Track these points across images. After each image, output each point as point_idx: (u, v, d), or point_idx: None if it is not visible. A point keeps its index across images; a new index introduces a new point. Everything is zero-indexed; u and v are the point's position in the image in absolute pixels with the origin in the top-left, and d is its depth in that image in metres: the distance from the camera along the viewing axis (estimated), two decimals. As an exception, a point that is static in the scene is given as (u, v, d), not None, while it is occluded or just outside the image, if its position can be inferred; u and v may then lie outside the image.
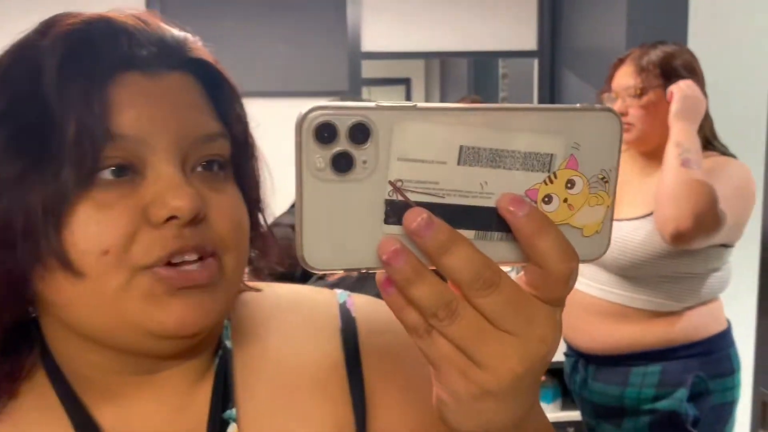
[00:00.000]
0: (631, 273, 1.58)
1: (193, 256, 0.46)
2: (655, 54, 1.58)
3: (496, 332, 0.35)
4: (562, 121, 0.36)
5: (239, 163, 0.53)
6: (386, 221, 0.35)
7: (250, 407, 0.53)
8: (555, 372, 2.44)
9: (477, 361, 0.36)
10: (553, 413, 2.52)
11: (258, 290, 0.60)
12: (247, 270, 0.57)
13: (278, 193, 0.59)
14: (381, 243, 0.35)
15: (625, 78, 1.61)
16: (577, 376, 1.76)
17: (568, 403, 2.55)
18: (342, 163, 0.34)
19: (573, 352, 1.77)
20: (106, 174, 0.45)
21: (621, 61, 1.65)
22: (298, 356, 0.56)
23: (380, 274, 0.36)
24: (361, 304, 0.60)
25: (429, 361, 0.37)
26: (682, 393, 1.57)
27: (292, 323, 0.58)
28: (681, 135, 1.48)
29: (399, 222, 0.35)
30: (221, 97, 0.52)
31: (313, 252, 0.35)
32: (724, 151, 1.60)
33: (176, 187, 0.45)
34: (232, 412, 0.52)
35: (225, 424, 0.52)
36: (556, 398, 2.56)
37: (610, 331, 1.63)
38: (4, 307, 0.48)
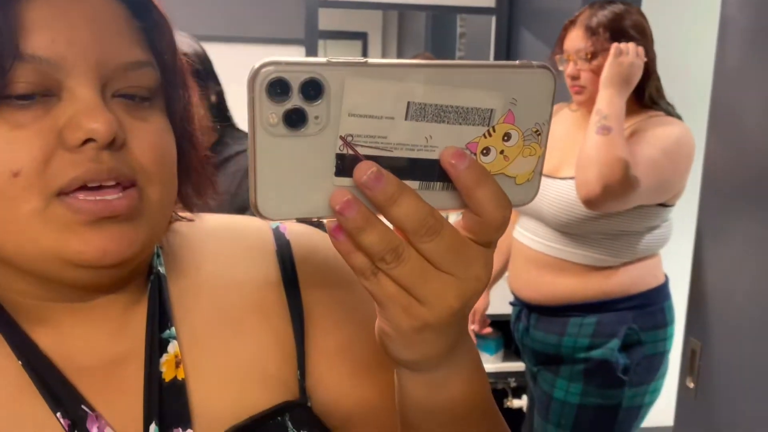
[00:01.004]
0: (570, 229, 1.64)
1: (111, 183, 0.45)
2: (604, 15, 1.60)
3: (437, 273, 0.39)
4: (503, 77, 0.38)
5: (168, 95, 0.52)
6: (337, 174, 0.37)
7: (189, 325, 0.55)
8: (499, 324, 2.52)
9: (419, 299, 0.39)
10: (495, 364, 2.61)
11: (191, 220, 0.60)
12: (178, 205, 0.57)
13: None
14: (333, 194, 0.37)
15: (576, 41, 1.63)
16: (521, 324, 1.83)
17: (510, 354, 2.64)
18: (294, 119, 0.35)
19: (518, 302, 1.83)
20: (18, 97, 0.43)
21: (572, 23, 1.66)
22: (235, 278, 0.58)
23: (330, 222, 0.39)
24: (293, 229, 0.62)
25: (374, 299, 0.41)
26: (614, 343, 1.65)
27: (226, 248, 0.59)
28: (603, 102, 1.53)
29: (349, 174, 0.37)
30: (150, 26, 0.50)
31: (267, 202, 0.37)
32: (670, 111, 1.64)
33: (93, 109, 0.44)
34: (171, 331, 0.53)
35: (165, 342, 0.53)
36: (499, 350, 2.64)
37: (551, 282, 1.69)
38: None
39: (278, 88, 0.35)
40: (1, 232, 0.45)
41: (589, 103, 1.64)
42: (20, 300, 0.50)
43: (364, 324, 0.44)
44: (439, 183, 0.39)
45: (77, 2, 0.45)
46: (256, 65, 0.35)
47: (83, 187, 0.44)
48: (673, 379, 1.64)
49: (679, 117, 1.64)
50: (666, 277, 1.75)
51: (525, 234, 1.76)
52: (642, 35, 1.59)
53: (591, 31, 1.60)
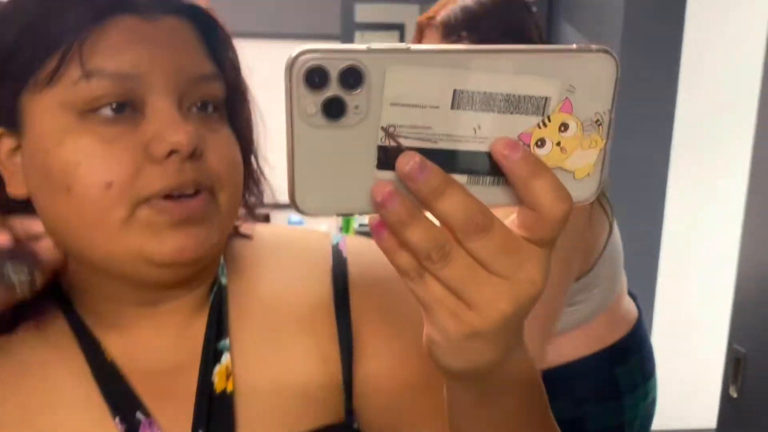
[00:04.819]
0: None
1: (191, 190, 0.49)
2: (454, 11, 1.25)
3: (487, 275, 0.36)
4: (558, 63, 0.35)
5: (232, 107, 0.55)
6: (379, 167, 0.35)
7: (241, 339, 0.56)
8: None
9: (468, 303, 0.36)
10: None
11: (250, 237, 0.62)
12: (242, 210, 0.60)
13: (270, 135, 0.60)
14: (375, 186, 0.34)
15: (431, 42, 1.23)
16: None
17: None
18: (333, 109, 0.34)
19: None
20: (107, 111, 0.48)
21: (429, 21, 1.30)
22: (288, 294, 0.59)
23: (373, 218, 0.36)
24: (353, 245, 0.62)
25: (421, 303, 0.38)
26: None
27: (284, 262, 0.61)
28: None
29: (391, 168, 0.35)
30: (215, 43, 0.54)
31: (306, 196, 0.35)
32: None
33: (174, 123, 0.48)
34: (225, 343, 0.56)
35: (219, 353, 0.55)
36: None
37: None
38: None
39: (316, 77, 0.33)
40: (91, 236, 0.49)
41: None
42: (94, 305, 0.55)
43: (415, 342, 0.43)
44: (489, 177, 0.36)
45: (154, 25, 0.50)
46: (294, 53, 0.33)
47: (167, 196, 0.48)
48: (716, 385, 1.60)
49: None
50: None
51: None
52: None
53: (447, 30, 1.26)
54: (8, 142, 0.51)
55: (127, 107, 0.48)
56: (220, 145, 0.52)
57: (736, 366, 1.40)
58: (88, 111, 0.48)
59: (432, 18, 1.30)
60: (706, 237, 2.04)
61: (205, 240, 0.50)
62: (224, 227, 0.53)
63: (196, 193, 0.50)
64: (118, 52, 0.48)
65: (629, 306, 1.40)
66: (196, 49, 0.52)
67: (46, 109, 0.48)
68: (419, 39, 1.34)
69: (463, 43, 1.23)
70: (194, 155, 0.49)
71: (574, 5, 2.77)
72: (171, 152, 0.48)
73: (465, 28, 1.25)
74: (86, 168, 0.47)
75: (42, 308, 0.55)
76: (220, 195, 0.51)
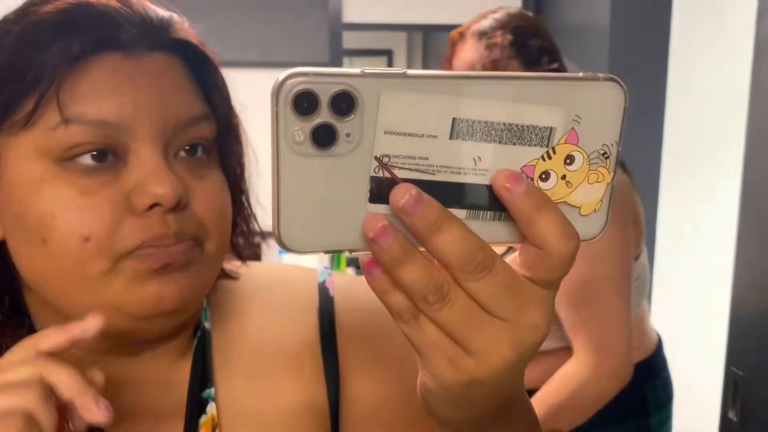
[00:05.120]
0: None
1: (172, 241, 0.46)
2: (495, 18, 1.33)
3: (488, 318, 0.34)
4: (564, 91, 0.33)
5: (223, 145, 0.53)
6: (371, 200, 0.33)
7: (227, 386, 0.54)
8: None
9: (467, 348, 0.34)
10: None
11: (235, 278, 0.60)
12: (229, 253, 0.58)
13: (260, 168, 0.58)
14: (367, 220, 0.32)
15: (469, 53, 1.32)
16: None
17: None
18: (323, 137, 0.31)
19: None
20: (87, 159, 0.45)
21: (461, 35, 1.36)
22: (274, 335, 0.56)
23: (364, 256, 0.34)
24: (340, 283, 0.60)
25: (414, 348, 0.36)
26: None
27: (269, 303, 0.59)
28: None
29: (385, 201, 0.33)
30: (206, 79, 0.52)
31: (291, 232, 0.33)
32: None
33: (158, 174, 0.45)
34: (210, 392, 0.54)
35: (204, 402, 0.53)
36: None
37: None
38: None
39: (305, 102, 0.31)
40: (68, 288, 0.47)
41: None
42: (76, 353, 0.51)
43: (404, 383, 0.41)
44: (490, 212, 0.34)
45: (140, 64, 0.47)
46: (281, 77, 0.31)
47: (150, 245, 0.46)
48: (714, 409, 1.57)
49: None
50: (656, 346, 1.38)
51: None
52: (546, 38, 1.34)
53: (489, 41, 1.31)
54: None
55: (109, 155, 0.46)
56: (208, 192, 0.49)
57: (734, 390, 1.38)
58: (66, 159, 0.45)
59: (464, 31, 1.34)
60: (698, 256, 2.03)
61: (187, 287, 0.48)
62: (207, 273, 0.51)
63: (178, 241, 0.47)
64: (100, 97, 0.45)
65: (653, 325, 1.40)
66: (184, 89, 0.49)
67: (22, 154, 0.46)
68: (452, 54, 1.36)
69: (499, 43, 1.28)
70: (178, 207, 0.46)
71: (559, 30, 2.79)
72: (153, 205, 0.45)
73: (500, 28, 1.29)
74: (62, 221, 0.45)
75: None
76: (206, 244, 0.49)
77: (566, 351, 1.24)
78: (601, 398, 1.19)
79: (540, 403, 1.20)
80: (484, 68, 1.28)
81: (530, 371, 1.16)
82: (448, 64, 1.38)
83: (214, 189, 0.50)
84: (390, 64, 4.28)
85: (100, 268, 0.45)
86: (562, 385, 1.20)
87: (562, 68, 1.33)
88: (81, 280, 0.46)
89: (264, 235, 0.58)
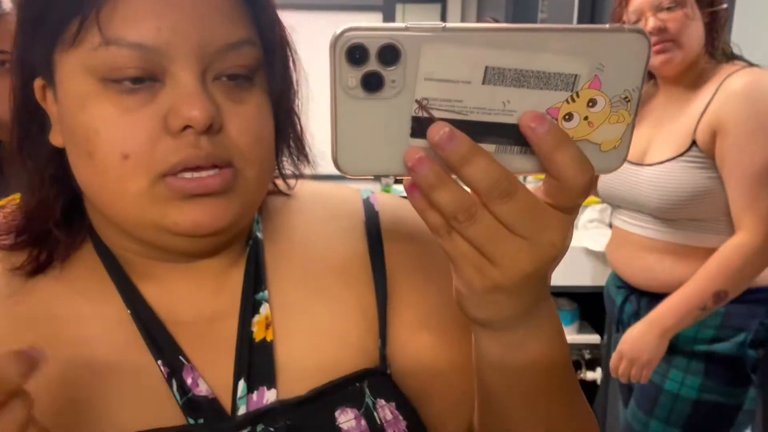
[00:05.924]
0: (678, 215, 1.48)
1: (208, 165, 0.48)
2: None
3: (510, 236, 0.39)
4: (589, 42, 0.37)
5: (270, 70, 0.53)
6: (412, 135, 0.38)
7: (279, 289, 0.58)
8: (575, 296, 2.48)
9: (492, 260, 0.40)
10: (570, 336, 2.58)
11: (287, 195, 0.64)
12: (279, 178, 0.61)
13: (313, 104, 0.61)
14: (407, 152, 0.38)
15: None
16: (629, 306, 1.66)
17: (585, 326, 2.61)
18: (372, 83, 0.37)
19: (625, 285, 1.67)
20: (127, 82, 0.47)
21: None
22: (324, 246, 0.61)
23: (407, 180, 0.40)
24: (383, 200, 0.64)
25: (449, 257, 0.42)
26: (743, 337, 1.48)
27: (318, 217, 0.63)
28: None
29: (424, 136, 0.38)
30: (252, 1, 0.52)
31: (346, 159, 0.39)
32: (750, 62, 1.47)
33: (192, 97, 0.47)
34: (264, 294, 0.57)
35: (258, 304, 0.57)
36: (574, 321, 2.61)
37: (670, 270, 1.53)
38: (55, 182, 0.54)
39: (357, 53, 0.36)
40: (112, 202, 0.50)
41: (681, 66, 1.45)
42: (130, 257, 0.55)
43: (447, 292, 0.45)
44: (516, 147, 0.39)
45: None
46: (338, 31, 0.36)
47: (184, 168, 0.48)
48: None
49: (758, 65, 1.45)
50: None
51: (630, 221, 1.60)
52: None
53: None
54: (50, 93, 0.52)
55: (147, 79, 0.47)
56: (245, 117, 0.50)
57: None
58: (108, 80, 0.47)
59: None
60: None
61: (225, 213, 0.50)
62: (250, 199, 0.52)
63: (217, 168, 0.48)
64: (139, 20, 0.46)
65: None
66: (226, 13, 0.49)
67: (71, 70, 0.48)
68: None
69: None
70: (211, 130, 0.47)
71: None
72: (186, 127, 0.47)
73: None
74: (105, 137, 0.47)
75: (77, 247, 0.56)
76: (245, 169, 0.50)
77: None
78: (764, 269, 1.41)
79: (708, 265, 1.42)
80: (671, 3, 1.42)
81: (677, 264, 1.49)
82: (621, 5, 1.49)
83: (252, 114, 0.50)
84: (444, 11, 4.21)
85: (138, 186, 0.48)
86: (730, 253, 1.40)
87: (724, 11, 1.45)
88: (122, 196, 0.48)
89: (309, 160, 0.61)
